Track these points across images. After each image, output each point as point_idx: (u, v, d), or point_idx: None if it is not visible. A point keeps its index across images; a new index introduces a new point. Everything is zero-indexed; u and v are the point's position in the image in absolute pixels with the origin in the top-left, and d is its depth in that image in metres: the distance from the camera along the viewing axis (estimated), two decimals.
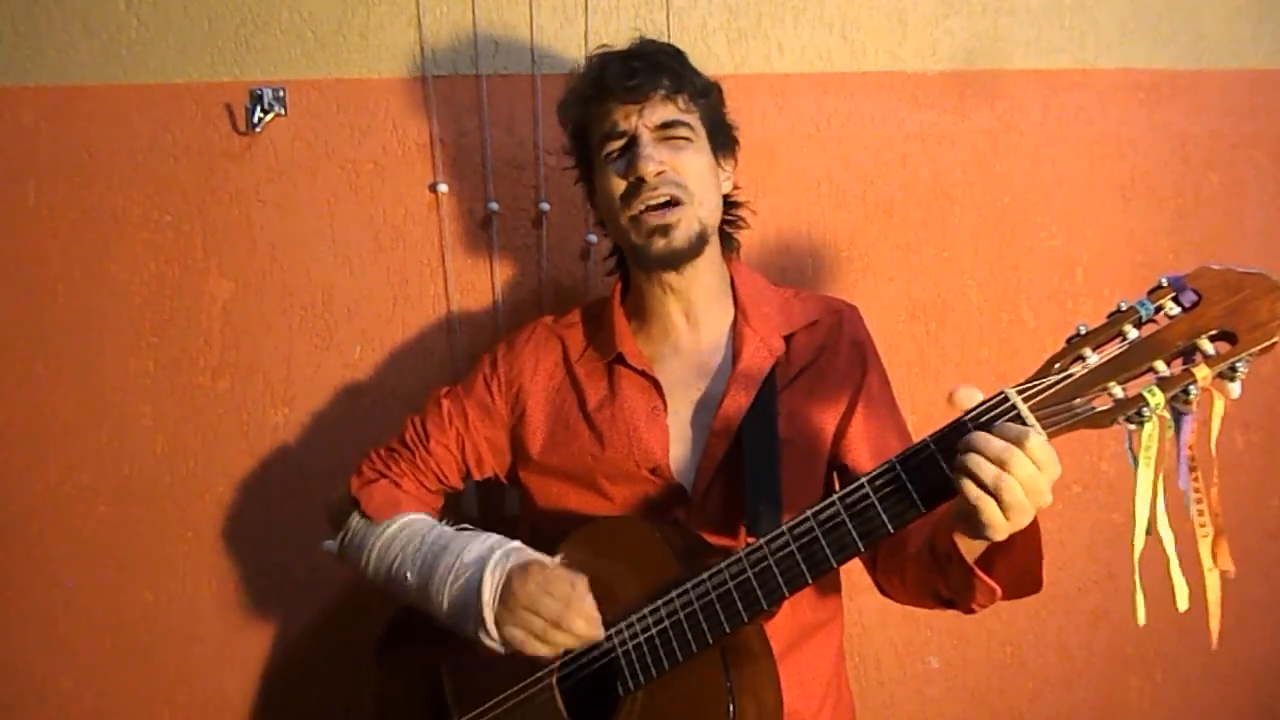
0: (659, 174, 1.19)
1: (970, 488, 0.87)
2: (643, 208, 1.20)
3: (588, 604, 1.04)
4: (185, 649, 1.60)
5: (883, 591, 1.24)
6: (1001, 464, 0.85)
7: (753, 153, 1.48)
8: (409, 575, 1.17)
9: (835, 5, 1.66)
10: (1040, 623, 1.77)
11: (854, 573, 1.45)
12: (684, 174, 1.21)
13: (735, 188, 1.34)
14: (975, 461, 0.86)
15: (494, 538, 1.15)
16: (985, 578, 0.99)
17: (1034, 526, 0.96)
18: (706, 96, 1.27)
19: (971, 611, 1.06)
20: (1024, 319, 1.74)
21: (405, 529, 1.22)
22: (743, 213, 1.38)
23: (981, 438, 0.86)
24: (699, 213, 1.22)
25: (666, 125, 1.22)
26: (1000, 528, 0.88)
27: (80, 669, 1.59)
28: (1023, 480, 0.85)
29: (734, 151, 1.33)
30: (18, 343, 1.56)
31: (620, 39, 1.59)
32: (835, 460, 1.24)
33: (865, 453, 1.22)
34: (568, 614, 1.03)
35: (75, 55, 1.54)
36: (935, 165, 1.70)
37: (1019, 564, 1.01)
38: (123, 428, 1.58)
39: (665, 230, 1.20)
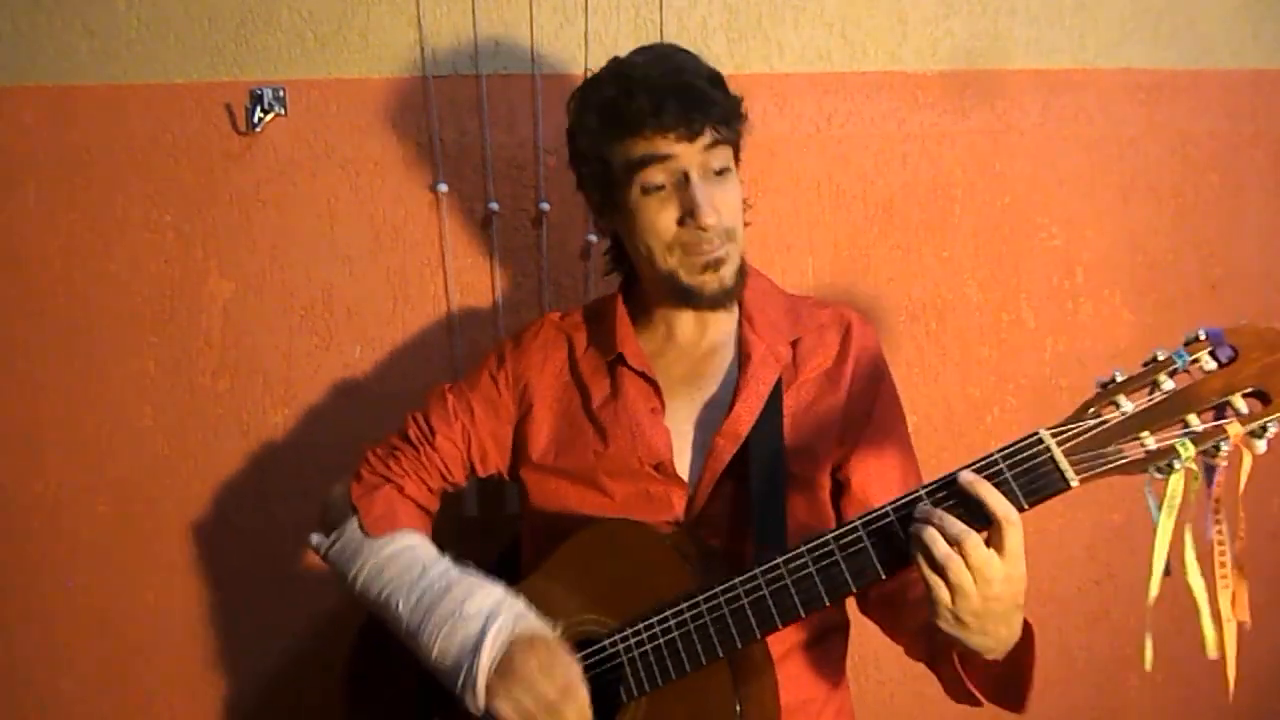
0: (717, 224, 1.15)
1: (922, 564, 0.91)
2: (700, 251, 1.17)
3: (582, 696, 1.02)
4: (185, 649, 1.60)
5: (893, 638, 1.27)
6: (957, 543, 0.88)
7: (753, 153, 1.47)
8: (400, 607, 1.12)
9: (835, 5, 1.66)
10: (1040, 623, 1.75)
11: None
12: (728, 213, 1.18)
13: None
14: (930, 535, 0.89)
15: (498, 592, 1.10)
16: (968, 684, 1.04)
17: (1028, 644, 1.00)
18: (740, 119, 1.22)
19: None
20: (1024, 319, 1.74)
21: (404, 553, 1.17)
22: (749, 213, 1.34)
23: (941, 516, 0.89)
24: (740, 246, 1.21)
25: (715, 158, 1.17)
26: (944, 610, 0.91)
27: (80, 669, 1.59)
28: (974, 566, 0.88)
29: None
30: (18, 343, 1.56)
31: (620, 39, 1.59)
32: (843, 472, 1.24)
33: (876, 489, 1.21)
34: (563, 704, 1.01)
35: (75, 55, 1.54)
36: (935, 165, 1.70)
37: (999, 675, 1.03)
38: (123, 428, 1.58)
39: (717, 265, 1.17)
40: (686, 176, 1.15)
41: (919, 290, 1.71)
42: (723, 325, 1.28)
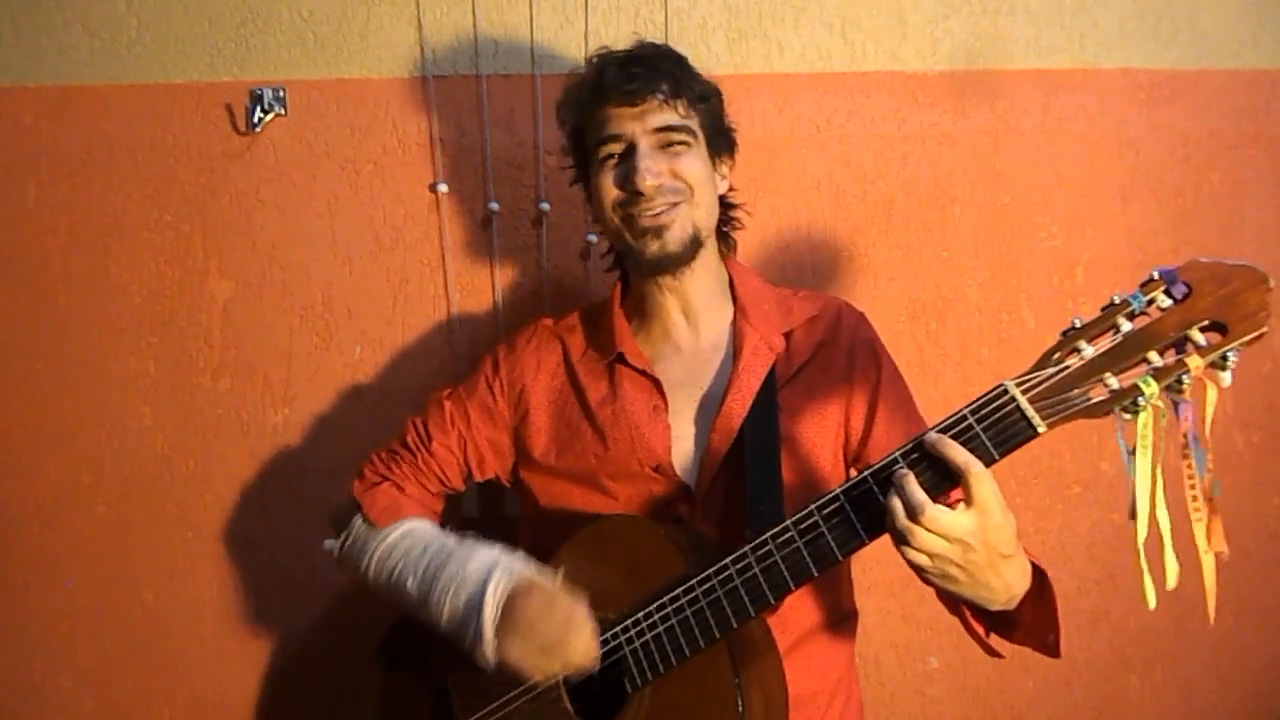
0: (657, 186, 1.19)
1: (891, 534, 0.93)
2: (639, 212, 1.21)
3: (586, 632, 1.04)
4: (185, 649, 1.60)
5: None
6: (918, 510, 0.89)
7: (753, 153, 1.48)
8: (409, 583, 1.17)
9: (835, 5, 1.66)
10: None
11: (854, 573, 1.45)
12: (684, 176, 1.21)
13: (731, 189, 1.34)
14: (893, 506, 0.91)
15: (497, 550, 1.15)
16: (982, 638, 1.09)
17: (1045, 589, 1.02)
18: (706, 101, 1.26)
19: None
20: (1024, 319, 1.74)
21: (408, 536, 1.22)
22: (738, 214, 1.38)
23: (904, 485, 0.90)
24: (695, 214, 1.23)
25: (665, 130, 1.21)
26: (928, 571, 0.93)
27: (80, 669, 1.59)
28: (939, 530, 0.89)
29: (732, 154, 1.33)
30: (18, 343, 1.56)
31: (620, 39, 1.59)
32: (863, 462, 1.25)
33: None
34: (567, 639, 1.04)
35: (75, 55, 1.54)
36: (935, 165, 1.70)
37: (1027, 623, 1.05)
38: (123, 428, 1.58)
39: (659, 231, 1.21)
40: (634, 146, 1.20)
41: (919, 290, 1.71)
42: (717, 323, 1.29)
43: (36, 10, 1.52)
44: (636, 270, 1.27)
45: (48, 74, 1.53)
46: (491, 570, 1.10)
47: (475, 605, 1.08)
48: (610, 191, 1.22)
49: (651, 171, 1.19)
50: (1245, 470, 1.80)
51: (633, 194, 1.20)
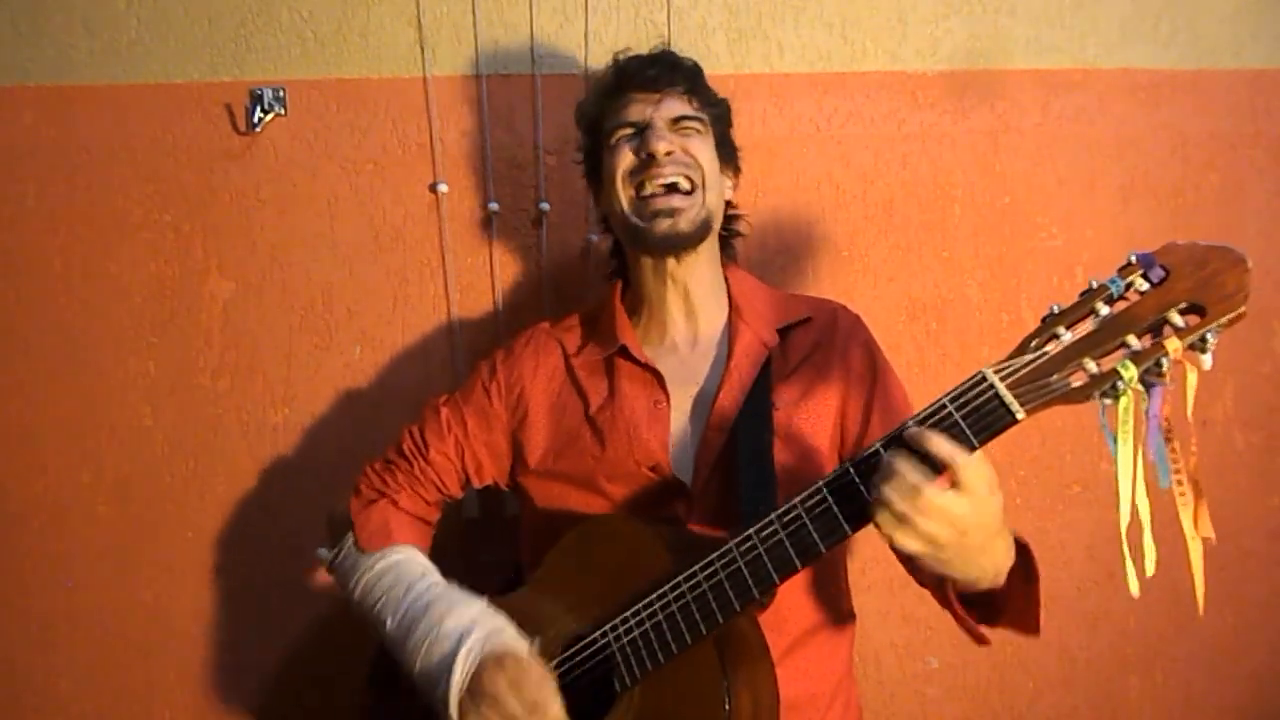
0: (669, 153, 1.24)
1: (886, 519, 0.91)
2: (651, 189, 1.25)
3: (552, 710, 1.03)
4: (185, 649, 1.60)
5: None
6: (916, 492, 0.88)
7: (753, 153, 1.48)
8: (388, 622, 1.16)
9: (835, 5, 1.66)
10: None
11: (854, 573, 1.45)
12: (694, 154, 1.26)
13: (733, 206, 1.39)
14: (887, 493, 0.89)
15: (476, 608, 1.12)
16: (972, 625, 1.07)
17: (1028, 564, 1.01)
18: (716, 107, 1.33)
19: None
20: (1024, 319, 1.74)
21: (394, 569, 1.20)
22: (740, 225, 1.41)
23: (896, 469, 0.89)
24: (708, 197, 1.27)
25: (679, 119, 1.28)
26: (924, 555, 0.92)
27: (80, 669, 1.59)
28: (937, 509, 0.88)
29: (736, 166, 1.38)
30: (18, 343, 1.56)
31: (620, 39, 1.60)
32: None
33: None
34: (532, 717, 1.02)
35: (75, 55, 1.54)
36: (935, 165, 1.70)
37: (1014, 604, 1.04)
38: (123, 428, 1.58)
39: (671, 213, 1.24)
40: (649, 124, 1.26)
41: (919, 290, 1.71)
42: (713, 321, 1.30)
43: (36, 10, 1.52)
44: (645, 251, 1.29)
45: (48, 74, 1.54)
46: (466, 634, 1.08)
47: (445, 667, 1.07)
48: (623, 160, 1.27)
49: (666, 139, 1.24)
50: (1245, 470, 1.80)
51: (645, 159, 1.24)
